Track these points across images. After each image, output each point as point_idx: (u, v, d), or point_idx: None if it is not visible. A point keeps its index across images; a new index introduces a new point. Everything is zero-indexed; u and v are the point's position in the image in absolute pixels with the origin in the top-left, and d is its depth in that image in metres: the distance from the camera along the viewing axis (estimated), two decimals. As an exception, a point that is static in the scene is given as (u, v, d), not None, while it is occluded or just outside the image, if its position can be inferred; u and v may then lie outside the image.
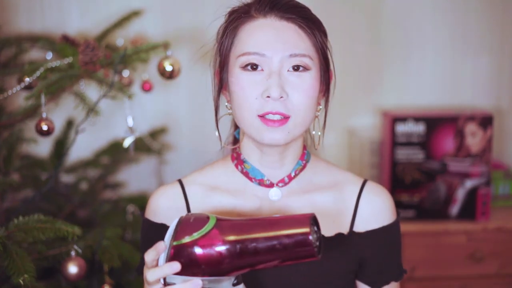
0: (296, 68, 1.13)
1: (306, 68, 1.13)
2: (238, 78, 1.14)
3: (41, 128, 1.52)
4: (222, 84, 1.21)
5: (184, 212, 1.20)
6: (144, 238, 1.26)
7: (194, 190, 1.23)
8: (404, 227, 2.29)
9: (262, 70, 1.13)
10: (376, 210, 1.24)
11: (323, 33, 1.19)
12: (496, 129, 2.47)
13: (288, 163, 1.21)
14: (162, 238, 1.10)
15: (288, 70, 1.13)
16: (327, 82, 1.21)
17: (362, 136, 2.52)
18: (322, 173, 1.25)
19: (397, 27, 2.55)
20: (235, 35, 1.16)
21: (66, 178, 2.16)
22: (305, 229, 0.97)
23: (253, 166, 1.21)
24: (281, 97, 1.11)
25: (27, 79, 1.57)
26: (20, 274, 1.32)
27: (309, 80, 1.13)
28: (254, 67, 1.13)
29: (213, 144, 1.26)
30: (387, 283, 1.24)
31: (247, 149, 1.21)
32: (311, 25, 1.16)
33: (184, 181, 1.24)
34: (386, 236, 1.25)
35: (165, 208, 1.22)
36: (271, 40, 1.13)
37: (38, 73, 1.56)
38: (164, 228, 1.19)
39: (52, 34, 1.88)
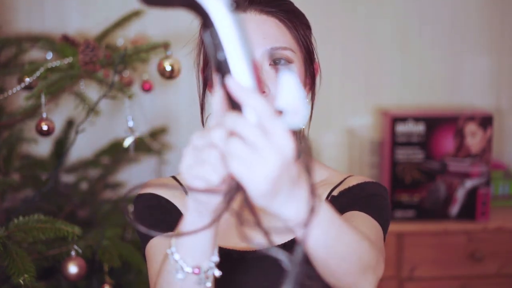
0: (277, 61, 1.11)
1: (288, 62, 1.11)
2: None
3: (41, 128, 1.51)
4: (207, 82, 1.20)
5: (183, 198, 1.18)
6: (146, 208, 1.18)
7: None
8: (404, 227, 2.30)
9: None
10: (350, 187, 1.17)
11: (306, 25, 1.17)
12: (496, 129, 2.47)
13: None
14: (169, 208, 1.09)
15: (270, 64, 1.11)
16: (312, 76, 1.19)
17: (362, 136, 2.52)
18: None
19: (396, 27, 2.55)
20: None
21: (66, 178, 2.15)
22: None
23: None
24: (264, 92, 1.07)
25: (27, 79, 1.57)
26: (20, 274, 1.31)
27: None
28: None
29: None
30: (349, 208, 1.11)
31: None
32: (292, 18, 1.14)
33: (178, 177, 1.24)
34: (361, 190, 1.16)
35: (163, 192, 1.20)
36: (251, 34, 1.11)
37: (38, 73, 1.55)
38: (169, 204, 1.16)
39: (52, 34, 1.87)
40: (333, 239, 0.83)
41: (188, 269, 0.87)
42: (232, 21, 0.74)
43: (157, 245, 1.11)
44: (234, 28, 0.74)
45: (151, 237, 1.12)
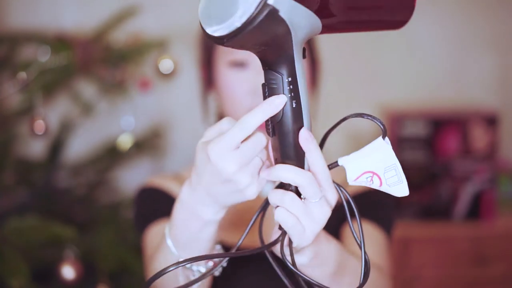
0: None
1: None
2: (225, 74, 1.12)
3: (37, 128, 1.49)
4: (209, 80, 1.20)
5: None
6: (147, 197, 1.19)
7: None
8: (408, 228, 2.27)
9: (249, 66, 1.11)
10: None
11: None
12: (503, 128, 2.44)
13: None
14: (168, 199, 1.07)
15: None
16: (315, 72, 1.19)
17: (365, 136, 2.49)
18: None
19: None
20: None
21: (63, 179, 2.12)
22: None
23: None
24: None
25: (21, 78, 1.54)
26: (15, 277, 1.30)
27: None
28: (240, 63, 1.11)
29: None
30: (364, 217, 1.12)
31: None
32: None
33: (182, 174, 1.25)
34: (365, 198, 1.15)
35: (168, 185, 1.20)
36: None
37: (33, 72, 1.53)
38: (169, 196, 1.15)
39: (48, 31, 1.84)
40: None
41: (203, 269, 0.84)
42: (303, 70, 0.73)
43: (153, 231, 1.11)
44: (304, 78, 0.73)
45: (149, 224, 1.12)
